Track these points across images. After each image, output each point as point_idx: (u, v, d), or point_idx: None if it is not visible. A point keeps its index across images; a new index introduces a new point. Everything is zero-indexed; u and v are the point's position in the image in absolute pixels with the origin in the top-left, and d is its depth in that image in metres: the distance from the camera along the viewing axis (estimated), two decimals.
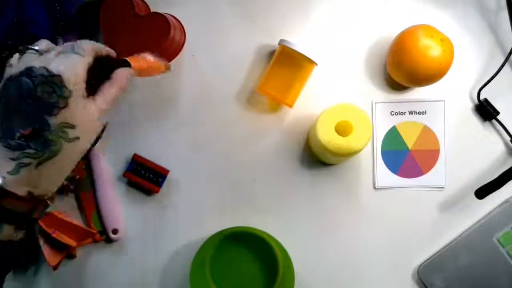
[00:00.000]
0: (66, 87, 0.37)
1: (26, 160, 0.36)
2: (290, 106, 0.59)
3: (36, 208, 0.39)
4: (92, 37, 0.63)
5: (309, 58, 0.56)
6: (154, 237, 0.61)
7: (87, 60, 0.40)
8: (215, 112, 0.61)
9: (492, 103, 0.59)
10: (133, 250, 0.61)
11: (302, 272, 0.59)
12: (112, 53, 0.45)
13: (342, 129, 0.54)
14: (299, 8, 0.62)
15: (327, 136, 0.53)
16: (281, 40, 0.57)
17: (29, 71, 0.36)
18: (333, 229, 0.60)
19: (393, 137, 0.60)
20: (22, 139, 0.36)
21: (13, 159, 0.36)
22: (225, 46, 0.62)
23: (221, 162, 0.61)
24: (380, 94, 0.61)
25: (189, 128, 0.62)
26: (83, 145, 0.40)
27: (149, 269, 0.60)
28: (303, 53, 0.56)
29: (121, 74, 0.43)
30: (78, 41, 0.41)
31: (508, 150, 0.60)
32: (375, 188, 0.60)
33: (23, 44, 0.41)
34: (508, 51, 0.59)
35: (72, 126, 0.38)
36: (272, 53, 0.61)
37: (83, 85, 0.38)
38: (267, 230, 0.59)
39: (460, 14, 0.61)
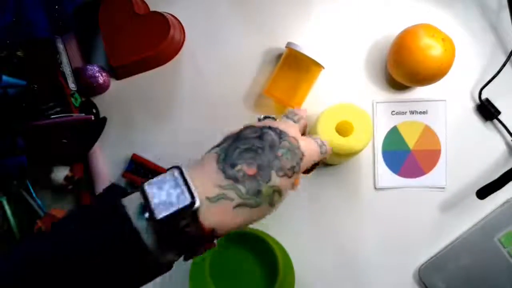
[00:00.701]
0: (299, 165, 0.38)
1: (231, 195, 0.35)
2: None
3: (203, 249, 0.37)
4: (92, 37, 0.63)
5: (316, 62, 0.56)
6: None
7: (319, 157, 0.41)
8: (215, 112, 0.61)
9: (493, 102, 0.59)
10: None
11: (302, 272, 0.59)
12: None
13: (342, 129, 0.54)
14: (299, 8, 0.61)
15: (327, 136, 0.53)
16: (289, 43, 0.57)
17: (283, 135, 0.38)
18: (334, 229, 0.60)
19: (394, 137, 0.60)
20: (240, 173, 0.35)
21: (219, 187, 0.35)
22: (225, 45, 0.62)
23: None
24: (381, 94, 0.61)
25: (189, 128, 0.61)
26: (265, 215, 0.38)
27: None
28: (311, 56, 0.55)
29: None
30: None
31: (510, 150, 0.60)
32: (376, 188, 0.60)
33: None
34: (510, 50, 0.59)
35: (280, 196, 0.38)
36: (271, 53, 0.61)
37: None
38: (267, 230, 0.59)
39: (461, 14, 0.61)
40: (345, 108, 0.54)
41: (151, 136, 0.61)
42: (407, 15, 0.60)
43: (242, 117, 0.61)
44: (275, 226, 0.60)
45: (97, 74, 0.60)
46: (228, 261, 0.57)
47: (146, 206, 0.33)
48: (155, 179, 0.34)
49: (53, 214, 0.58)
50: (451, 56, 0.54)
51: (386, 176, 0.60)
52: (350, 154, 0.54)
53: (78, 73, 0.60)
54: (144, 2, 0.61)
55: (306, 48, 0.56)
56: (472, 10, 0.61)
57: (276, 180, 0.36)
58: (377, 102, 0.60)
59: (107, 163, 0.61)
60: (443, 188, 0.60)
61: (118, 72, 0.61)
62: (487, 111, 0.59)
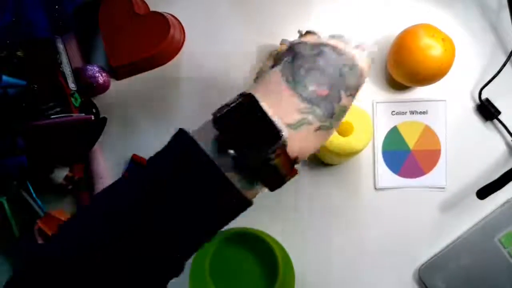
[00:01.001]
0: (360, 82, 0.37)
1: (310, 118, 0.33)
2: None
3: (286, 179, 0.35)
4: (92, 37, 0.63)
5: None
6: None
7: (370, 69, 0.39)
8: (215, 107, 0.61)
9: (493, 102, 0.59)
10: None
11: (302, 272, 0.59)
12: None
13: (342, 129, 0.54)
14: (299, 8, 0.61)
15: None
16: (283, 40, 0.57)
17: (341, 51, 0.36)
18: (334, 229, 0.60)
19: (394, 137, 0.60)
20: (314, 95, 0.34)
21: (298, 111, 0.33)
22: (225, 45, 0.62)
23: None
24: (381, 94, 0.61)
25: (189, 128, 0.61)
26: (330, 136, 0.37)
27: None
28: None
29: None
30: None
31: (510, 150, 0.60)
32: (376, 188, 0.60)
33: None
34: (510, 50, 0.59)
35: (344, 114, 0.36)
36: (272, 51, 0.61)
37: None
38: (267, 230, 0.59)
39: (461, 14, 0.61)
40: None
41: (151, 136, 0.61)
42: (407, 15, 0.60)
43: None
44: (275, 226, 0.60)
45: (97, 74, 0.60)
46: (228, 261, 0.57)
47: (226, 142, 0.32)
48: (225, 111, 0.32)
49: (53, 214, 0.58)
50: (451, 56, 0.54)
51: (386, 176, 0.60)
52: (350, 154, 0.54)
53: (78, 73, 0.60)
54: (144, 2, 0.61)
55: None
56: (472, 10, 0.61)
57: (344, 100, 0.35)
58: (377, 102, 0.60)
59: (107, 163, 0.61)
60: (443, 188, 0.60)
61: (118, 72, 0.61)
62: (487, 111, 0.59)
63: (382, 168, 0.60)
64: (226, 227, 0.57)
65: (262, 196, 0.61)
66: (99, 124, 0.60)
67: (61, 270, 0.32)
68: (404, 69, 0.56)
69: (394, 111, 0.60)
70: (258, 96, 0.33)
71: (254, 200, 0.62)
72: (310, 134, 0.34)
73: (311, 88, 0.34)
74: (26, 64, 0.56)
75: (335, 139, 0.53)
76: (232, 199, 0.33)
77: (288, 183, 0.63)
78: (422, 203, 0.60)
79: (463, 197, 0.60)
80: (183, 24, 0.62)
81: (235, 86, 0.61)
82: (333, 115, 0.35)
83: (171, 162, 0.33)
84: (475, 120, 0.60)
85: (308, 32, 0.39)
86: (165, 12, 0.59)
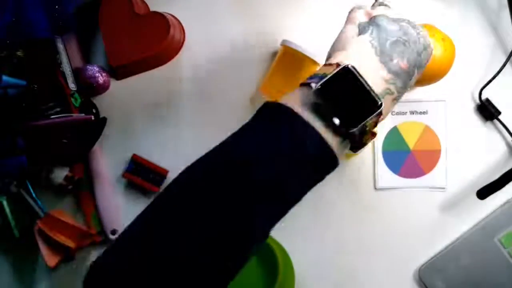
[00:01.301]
0: (427, 63, 0.40)
1: (392, 89, 0.36)
2: None
3: (368, 141, 0.38)
4: (92, 37, 0.63)
5: (312, 59, 0.56)
6: None
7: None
8: (215, 112, 0.61)
9: (493, 103, 0.59)
10: None
11: (302, 272, 0.59)
12: None
13: None
14: (299, 8, 0.61)
15: None
16: (284, 41, 0.57)
17: (419, 30, 0.39)
18: (334, 230, 0.60)
19: (394, 137, 0.60)
20: (397, 67, 0.36)
21: (385, 81, 0.36)
22: (225, 45, 0.62)
23: None
24: None
25: (189, 128, 0.61)
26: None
27: None
28: (306, 53, 0.55)
29: None
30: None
31: (510, 150, 0.60)
32: (376, 188, 0.60)
33: None
34: (510, 50, 0.58)
35: (408, 89, 0.39)
36: (273, 52, 0.61)
37: None
38: None
39: (461, 14, 0.61)
40: None
41: (151, 136, 0.61)
42: (407, 15, 0.60)
43: (242, 116, 0.61)
44: (275, 226, 0.60)
45: (97, 74, 0.60)
46: None
47: (330, 111, 0.34)
48: (325, 81, 0.34)
49: (53, 214, 0.58)
50: (451, 56, 0.54)
51: (386, 176, 0.60)
52: (350, 155, 0.54)
53: (78, 73, 0.60)
54: (144, 2, 0.61)
55: (301, 45, 0.56)
56: (472, 10, 0.61)
57: (416, 75, 0.38)
58: None
59: (107, 163, 0.61)
60: (443, 188, 0.60)
61: (118, 72, 0.61)
62: (487, 111, 0.59)
63: (382, 168, 0.60)
64: None
65: None
66: (99, 124, 0.60)
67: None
68: None
69: (394, 111, 0.60)
70: (354, 66, 0.34)
71: None
72: (389, 102, 0.37)
73: (395, 60, 0.36)
74: (26, 64, 0.56)
75: None
76: (331, 162, 0.35)
77: None
78: (422, 203, 0.60)
79: (463, 197, 0.60)
80: (183, 24, 0.62)
81: (235, 85, 0.61)
82: (406, 87, 0.37)
83: (275, 133, 0.35)
84: (475, 120, 0.60)
85: (381, 4, 0.42)
86: (165, 12, 0.59)
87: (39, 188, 0.61)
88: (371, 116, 0.34)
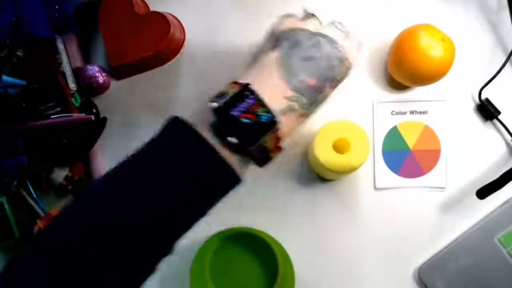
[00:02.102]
0: (344, 77, 0.40)
1: (295, 106, 0.37)
2: None
3: (273, 156, 0.38)
4: (92, 37, 0.63)
5: None
6: None
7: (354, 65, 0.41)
8: None
9: (493, 102, 0.59)
10: None
11: (302, 272, 0.59)
12: None
13: (339, 146, 0.54)
14: (299, 8, 0.61)
15: (325, 155, 0.53)
16: None
17: (336, 45, 0.39)
18: (334, 230, 0.60)
19: (394, 137, 0.60)
20: (303, 84, 0.37)
21: (287, 99, 0.36)
22: (225, 45, 0.62)
23: None
24: (381, 94, 0.61)
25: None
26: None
27: None
28: None
29: None
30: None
31: (510, 150, 0.60)
32: (375, 188, 0.60)
33: None
34: (510, 50, 0.59)
35: (322, 103, 0.40)
36: None
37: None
38: (267, 230, 0.59)
39: (461, 14, 0.61)
40: (341, 126, 0.54)
41: (151, 136, 0.61)
42: (407, 15, 0.60)
43: None
44: (275, 226, 0.60)
45: (97, 74, 0.60)
46: (229, 261, 0.57)
47: (227, 131, 0.35)
48: (224, 102, 0.35)
49: (53, 214, 0.58)
50: (451, 56, 0.54)
51: (386, 176, 0.60)
52: (348, 171, 0.54)
53: (78, 73, 0.60)
54: (144, 2, 0.61)
55: None
56: (472, 10, 0.61)
57: (327, 90, 0.38)
58: (377, 102, 0.60)
59: (107, 163, 0.61)
60: (443, 188, 0.60)
61: (118, 72, 0.61)
62: (487, 111, 0.59)
63: (382, 168, 0.60)
64: (226, 227, 0.58)
65: (263, 197, 0.61)
66: (99, 124, 0.60)
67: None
68: (404, 69, 0.56)
69: (394, 111, 0.60)
70: (254, 85, 0.35)
71: (256, 200, 0.63)
72: (293, 119, 0.37)
73: (302, 77, 0.37)
74: (26, 64, 0.56)
75: (333, 157, 0.53)
76: (229, 178, 0.36)
77: (288, 183, 0.63)
78: (422, 203, 0.60)
79: (463, 197, 0.60)
80: (183, 24, 0.62)
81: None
82: (314, 103, 0.38)
83: (170, 148, 0.36)
84: (475, 120, 0.60)
85: (310, 15, 0.42)
86: (165, 12, 0.59)
87: (39, 188, 0.61)
88: (267, 134, 0.35)
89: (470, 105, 0.60)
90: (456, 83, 0.60)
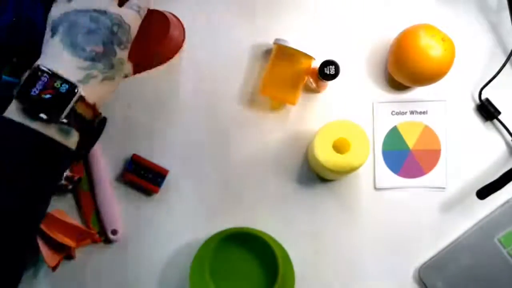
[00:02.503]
0: (130, 36, 0.45)
1: (94, 73, 0.41)
2: (293, 104, 0.59)
3: (95, 121, 0.43)
4: None
5: (306, 54, 0.56)
6: (153, 237, 0.60)
7: (140, 19, 0.47)
8: (215, 111, 0.61)
9: (493, 102, 0.59)
10: (132, 251, 0.60)
11: (302, 272, 0.59)
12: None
13: (340, 146, 0.54)
14: (300, 8, 0.61)
15: (325, 155, 0.53)
16: (276, 40, 0.57)
17: (105, 13, 0.43)
18: (333, 230, 0.60)
19: (394, 137, 0.60)
20: (93, 53, 0.41)
21: (83, 69, 0.41)
22: (225, 44, 0.62)
23: (222, 162, 0.61)
24: (381, 94, 0.61)
25: (189, 128, 0.61)
26: (120, 82, 0.46)
27: (149, 269, 0.60)
28: (299, 49, 0.55)
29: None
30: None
31: (510, 150, 0.60)
32: (375, 188, 0.60)
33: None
34: (510, 50, 0.59)
35: (123, 65, 0.45)
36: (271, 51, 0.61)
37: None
38: (267, 230, 0.59)
39: (461, 14, 0.61)
40: (340, 126, 0.54)
41: (151, 136, 0.61)
42: (407, 15, 0.60)
43: (242, 116, 0.61)
44: (275, 226, 0.60)
45: None
46: (229, 261, 0.57)
47: (35, 110, 0.39)
48: (21, 87, 0.39)
49: (53, 214, 0.58)
50: (451, 56, 0.54)
51: (386, 176, 0.60)
52: (349, 171, 0.54)
53: None
54: None
55: (293, 42, 0.55)
56: (472, 10, 0.61)
57: (119, 53, 0.44)
58: (377, 102, 0.60)
59: (107, 163, 0.61)
60: (443, 188, 0.60)
61: None
62: (487, 111, 0.59)
63: (382, 168, 0.60)
64: (226, 227, 0.58)
65: (263, 197, 0.61)
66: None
67: None
68: (404, 69, 0.56)
69: (394, 111, 0.60)
70: (46, 65, 0.40)
71: (256, 200, 0.63)
72: (98, 85, 0.42)
73: (89, 48, 0.41)
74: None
75: (333, 157, 0.53)
76: (57, 150, 0.40)
77: (288, 183, 0.63)
78: (422, 203, 0.60)
79: (463, 197, 0.60)
80: (183, 23, 0.62)
81: (235, 85, 0.61)
82: (113, 66, 0.43)
83: None
84: (475, 120, 0.60)
85: None
86: (165, 10, 0.59)
87: None
88: (72, 102, 0.39)
89: (470, 105, 0.61)
90: (456, 83, 0.60)
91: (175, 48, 0.61)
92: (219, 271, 0.56)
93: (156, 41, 0.57)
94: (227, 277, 0.57)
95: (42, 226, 0.57)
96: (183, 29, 0.62)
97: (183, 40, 0.62)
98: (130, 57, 0.59)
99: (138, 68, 0.62)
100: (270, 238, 0.57)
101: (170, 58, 0.61)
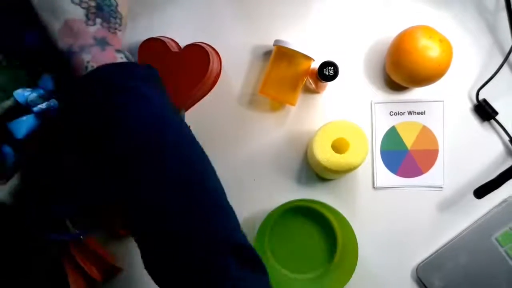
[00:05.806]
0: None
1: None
2: (293, 104, 0.59)
3: None
4: None
5: (305, 55, 0.56)
6: None
7: None
8: (215, 112, 0.61)
9: (491, 103, 0.60)
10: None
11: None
12: None
13: (339, 146, 0.55)
14: (298, 9, 0.62)
15: (324, 154, 0.54)
16: (276, 41, 0.57)
17: None
18: None
19: (392, 137, 0.61)
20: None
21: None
22: (225, 45, 0.62)
23: (222, 162, 0.61)
24: (379, 95, 0.61)
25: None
26: None
27: None
28: (299, 50, 0.56)
29: None
30: None
31: (507, 150, 0.61)
32: (374, 187, 0.61)
33: None
34: (507, 51, 0.59)
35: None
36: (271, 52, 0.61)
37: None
38: None
39: (458, 15, 0.61)
40: (339, 126, 0.55)
41: None
42: (405, 16, 0.61)
43: (242, 116, 0.61)
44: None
45: None
46: (291, 234, 0.59)
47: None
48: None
49: (87, 242, 0.56)
50: (448, 57, 0.54)
51: (384, 175, 0.60)
52: (348, 170, 0.54)
53: None
54: (177, 43, 0.59)
55: (293, 43, 0.56)
56: (470, 11, 0.61)
57: None
58: (375, 103, 0.61)
59: None
60: (441, 187, 0.60)
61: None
62: (484, 111, 0.60)
63: (381, 167, 0.61)
64: (290, 199, 0.57)
65: (262, 195, 0.61)
66: None
67: None
68: (402, 70, 0.56)
69: (392, 112, 0.61)
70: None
71: (255, 198, 0.62)
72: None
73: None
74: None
75: (332, 157, 0.54)
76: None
77: (287, 182, 0.62)
78: (420, 202, 0.60)
79: (460, 197, 0.60)
80: (182, 24, 0.62)
81: (235, 85, 0.62)
82: None
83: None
84: (473, 120, 0.61)
85: None
86: (201, 42, 0.58)
87: None
88: None
89: (468, 106, 0.61)
90: (454, 84, 0.60)
91: (215, 79, 0.61)
92: (280, 242, 0.59)
93: (198, 79, 0.56)
94: (287, 249, 0.59)
95: (75, 252, 0.55)
96: (220, 59, 0.61)
97: (220, 70, 0.61)
98: (176, 100, 0.55)
99: (186, 106, 0.60)
100: (323, 206, 0.58)
101: (211, 89, 0.61)
